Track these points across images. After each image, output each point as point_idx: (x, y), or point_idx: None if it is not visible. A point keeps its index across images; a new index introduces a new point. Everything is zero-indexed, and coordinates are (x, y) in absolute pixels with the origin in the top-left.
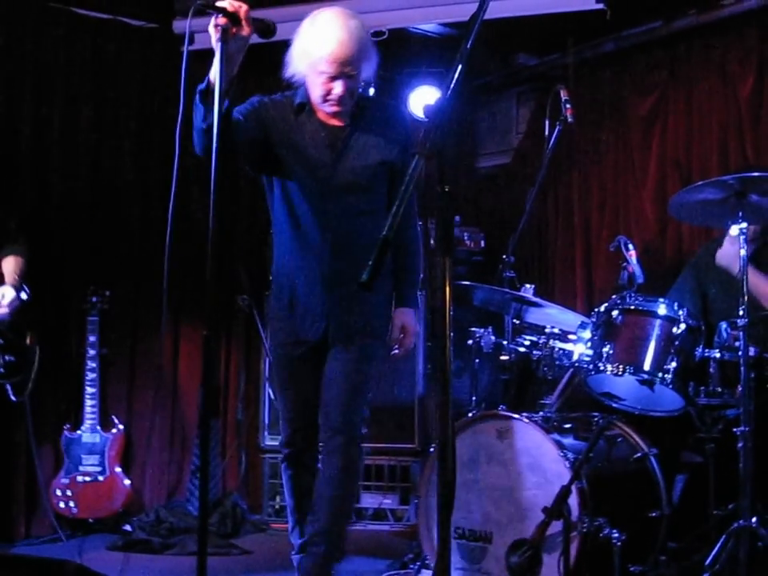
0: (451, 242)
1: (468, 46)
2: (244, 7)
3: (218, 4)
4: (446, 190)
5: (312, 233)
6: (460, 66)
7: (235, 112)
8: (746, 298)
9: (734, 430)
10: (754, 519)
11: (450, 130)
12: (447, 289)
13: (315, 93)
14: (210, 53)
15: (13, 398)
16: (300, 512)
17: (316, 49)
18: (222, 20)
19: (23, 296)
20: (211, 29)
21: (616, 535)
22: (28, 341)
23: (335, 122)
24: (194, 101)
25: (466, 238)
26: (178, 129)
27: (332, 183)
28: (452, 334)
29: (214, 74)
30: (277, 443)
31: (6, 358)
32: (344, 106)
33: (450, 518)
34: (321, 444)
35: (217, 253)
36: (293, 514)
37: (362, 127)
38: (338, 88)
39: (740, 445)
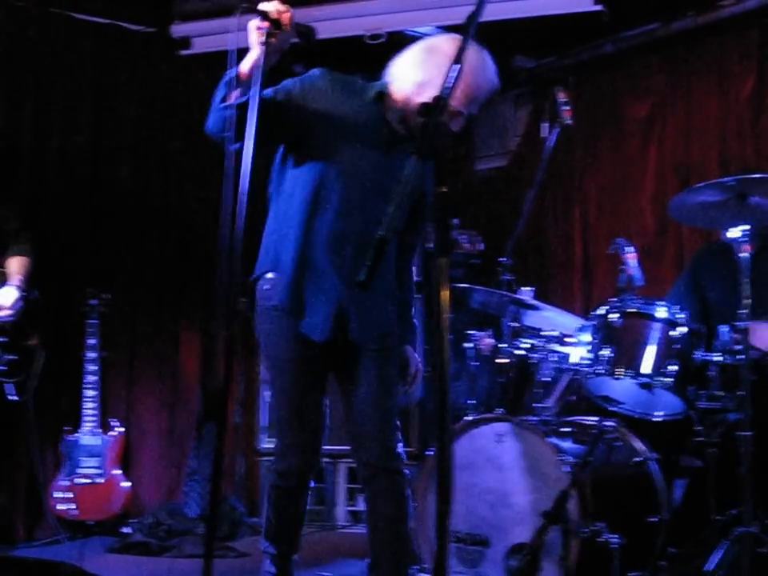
0: (448, 244)
1: (465, 46)
2: (288, 13)
3: (261, 7)
4: (444, 191)
5: (335, 225)
6: (458, 67)
7: (273, 89)
8: (748, 300)
9: (736, 433)
10: (756, 525)
11: (447, 131)
12: (445, 291)
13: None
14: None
15: (15, 397)
16: (283, 537)
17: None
18: (265, 23)
19: (28, 296)
20: (253, 30)
21: (615, 540)
22: (33, 341)
23: (400, 129)
24: (219, 83)
25: (464, 240)
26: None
27: (374, 179)
28: (450, 337)
29: (245, 66)
30: (274, 446)
31: (8, 356)
32: None
33: (448, 523)
34: (363, 480)
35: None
36: (275, 539)
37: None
38: (454, 125)
39: (742, 449)
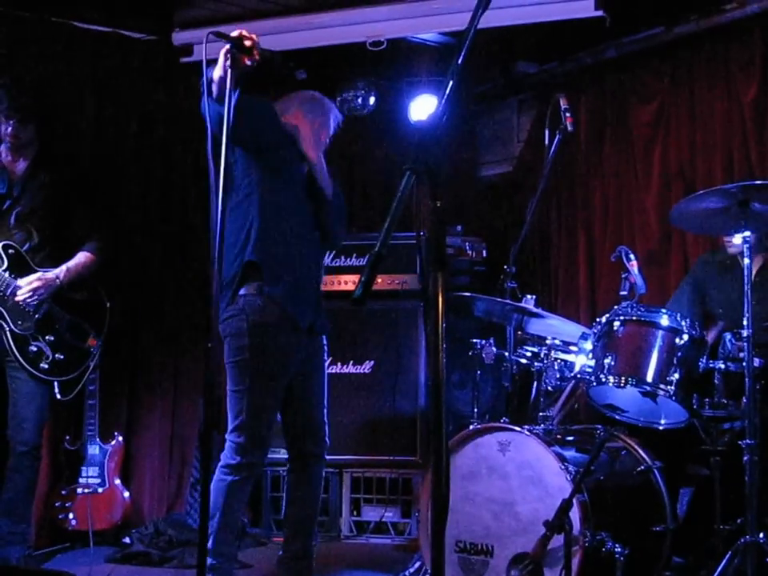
0: (444, 258)
1: (459, 63)
2: (255, 39)
3: (233, 34)
4: (438, 205)
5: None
6: (451, 83)
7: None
8: (750, 307)
9: (740, 442)
10: (761, 534)
11: (442, 146)
12: (440, 305)
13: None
14: (209, 64)
15: (59, 396)
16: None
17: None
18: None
19: (74, 294)
20: (221, 56)
21: (619, 550)
22: (90, 342)
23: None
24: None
25: (467, 247)
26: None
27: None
28: (444, 346)
29: (212, 74)
30: (277, 455)
31: (56, 355)
32: None
33: (444, 534)
34: (300, 462)
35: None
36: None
37: None
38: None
39: (746, 458)
